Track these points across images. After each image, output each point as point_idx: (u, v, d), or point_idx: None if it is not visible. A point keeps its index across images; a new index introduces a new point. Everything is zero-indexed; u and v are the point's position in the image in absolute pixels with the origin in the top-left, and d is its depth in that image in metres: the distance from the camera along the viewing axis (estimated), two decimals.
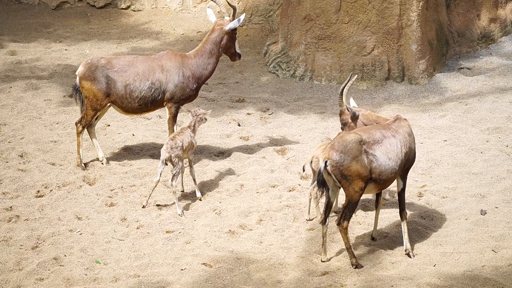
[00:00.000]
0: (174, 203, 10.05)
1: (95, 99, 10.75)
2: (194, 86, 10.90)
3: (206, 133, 12.08)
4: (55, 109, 12.92)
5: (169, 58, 10.84)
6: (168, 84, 10.78)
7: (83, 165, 11.01)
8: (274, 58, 14.63)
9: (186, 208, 10.15)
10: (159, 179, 10.02)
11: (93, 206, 10.15)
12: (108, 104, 10.84)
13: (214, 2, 11.09)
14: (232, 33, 11.00)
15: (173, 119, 10.96)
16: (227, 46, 11.00)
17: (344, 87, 9.24)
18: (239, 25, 11.00)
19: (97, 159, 11.16)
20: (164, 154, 9.94)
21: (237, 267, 8.86)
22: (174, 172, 9.92)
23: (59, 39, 16.10)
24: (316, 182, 8.86)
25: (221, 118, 12.72)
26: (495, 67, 14.54)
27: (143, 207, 10.08)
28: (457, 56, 14.92)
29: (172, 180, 9.92)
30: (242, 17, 11.00)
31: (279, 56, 14.59)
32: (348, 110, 9.29)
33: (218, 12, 16.63)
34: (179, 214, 9.93)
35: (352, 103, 9.51)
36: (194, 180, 10.32)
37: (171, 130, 10.95)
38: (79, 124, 10.98)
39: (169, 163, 9.94)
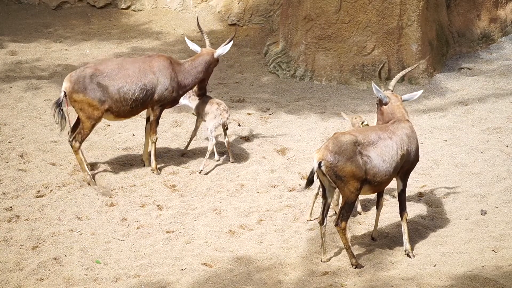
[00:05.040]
0: (175, 202, 10.13)
1: (91, 109, 10.44)
2: (179, 92, 10.95)
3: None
4: None
5: (160, 60, 10.82)
6: (158, 86, 10.75)
7: (94, 180, 10.66)
8: (275, 58, 14.64)
9: (186, 208, 10.15)
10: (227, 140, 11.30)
11: (93, 206, 10.15)
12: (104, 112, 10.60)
13: (202, 33, 11.25)
14: (217, 62, 11.23)
15: (157, 121, 10.95)
16: (210, 73, 11.17)
17: (380, 69, 9.23)
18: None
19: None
20: (224, 117, 11.08)
21: (237, 267, 8.85)
22: (227, 131, 11.34)
23: (59, 39, 16.10)
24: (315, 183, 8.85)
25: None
26: (495, 67, 14.54)
27: (199, 172, 10.96)
28: (457, 56, 14.92)
29: (227, 138, 11.32)
30: (229, 46, 11.19)
31: (279, 56, 14.59)
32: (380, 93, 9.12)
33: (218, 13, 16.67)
34: (231, 161, 11.23)
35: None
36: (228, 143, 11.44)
37: (154, 131, 10.92)
38: (74, 141, 10.54)
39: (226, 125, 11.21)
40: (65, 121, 10.53)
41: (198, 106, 11.27)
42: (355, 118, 9.98)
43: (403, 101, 9.23)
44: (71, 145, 10.59)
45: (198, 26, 11.41)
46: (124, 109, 10.65)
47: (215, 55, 11.13)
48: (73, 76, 10.47)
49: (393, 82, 9.28)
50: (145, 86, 10.65)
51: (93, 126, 10.57)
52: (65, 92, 10.42)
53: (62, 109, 10.47)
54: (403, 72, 9.38)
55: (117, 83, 10.54)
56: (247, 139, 12.03)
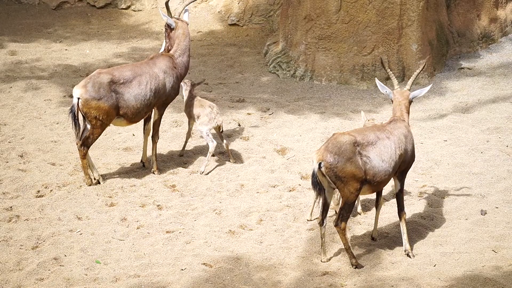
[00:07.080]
0: (175, 202, 10.15)
1: (106, 115, 10.33)
2: (179, 85, 11.11)
3: None
4: (55, 109, 12.93)
5: (164, 60, 10.84)
6: (166, 86, 10.80)
7: (94, 184, 10.61)
8: (275, 58, 14.64)
9: (186, 208, 10.15)
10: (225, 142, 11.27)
11: (93, 206, 10.15)
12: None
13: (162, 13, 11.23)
14: None
15: (160, 120, 11.02)
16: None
17: (382, 62, 9.46)
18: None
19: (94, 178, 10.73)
20: (219, 120, 11.08)
21: (237, 267, 8.86)
22: (223, 133, 11.34)
23: (59, 39, 16.10)
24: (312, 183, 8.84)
25: (221, 118, 12.71)
26: (495, 67, 14.54)
27: (201, 173, 10.90)
28: (457, 56, 14.92)
29: (225, 140, 11.27)
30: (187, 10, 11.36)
31: (279, 56, 14.59)
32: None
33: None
34: (232, 162, 11.20)
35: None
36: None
37: (156, 131, 10.96)
38: (83, 147, 10.44)
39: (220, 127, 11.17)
40: (79, 129, 10.39)
41: (189, 108, 11.23)
42: (368, 121, 10.00)
43: (414, 97, 9.27)
44: (79, 150, 10.48)
45: (167, 6, 11.16)
46: (139, 114, 10.67)
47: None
48: (88, 83, 10.29)
49: (409, 82, 9.39)
50: (157, 89, 10.70)
51: (103, 131, 10.55)
52: (78, 99, 10.24)
53: (78, 117, 10.29)
54: (416, 72, 9.46)
55: (134, 91, 10.51)
56: (247, 139, 12.03)
